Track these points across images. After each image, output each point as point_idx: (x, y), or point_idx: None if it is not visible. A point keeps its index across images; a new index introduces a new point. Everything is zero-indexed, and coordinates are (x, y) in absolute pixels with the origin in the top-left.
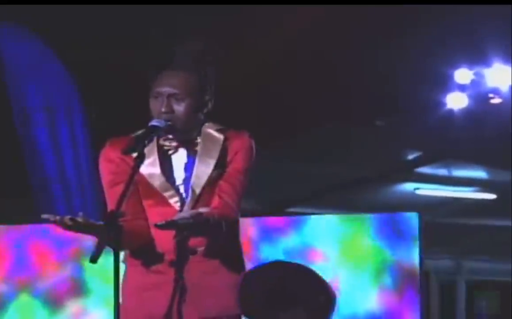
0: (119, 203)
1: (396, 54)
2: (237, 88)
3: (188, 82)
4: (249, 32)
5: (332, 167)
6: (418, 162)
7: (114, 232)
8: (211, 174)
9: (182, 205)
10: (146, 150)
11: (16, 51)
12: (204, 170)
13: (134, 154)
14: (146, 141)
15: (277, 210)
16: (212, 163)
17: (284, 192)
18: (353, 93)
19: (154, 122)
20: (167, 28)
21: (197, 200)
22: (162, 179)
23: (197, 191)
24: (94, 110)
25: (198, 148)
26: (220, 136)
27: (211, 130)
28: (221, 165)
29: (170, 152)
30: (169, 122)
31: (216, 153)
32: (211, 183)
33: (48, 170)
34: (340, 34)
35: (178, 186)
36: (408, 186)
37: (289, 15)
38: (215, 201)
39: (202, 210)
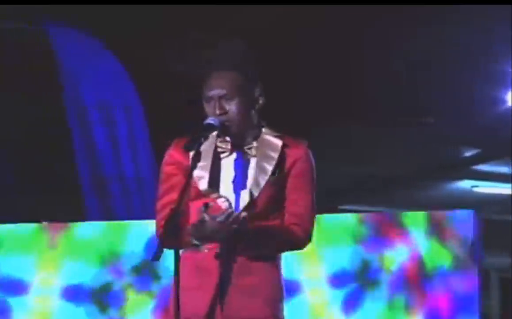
0: (179, 202)
1: (457, 51)
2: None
3: (235, 81)
4: (281, 29)
5: (389, 164)
6: (476, 160)
7: (174, 231)
8: (269, 179)
9: (230, 207)
10: (204, 151)
11: (72, 51)
12: (262, 175)
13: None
14: (202, 139)
15: (331, 208)
16: (270, 168)
17: (339, 190)
18: (414, 91)
19: (209, 120)
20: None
21: (254, 204)
22: (208, 183)
23: (255, 194)
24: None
25: (256, 153)
26: (279, 142)
27: (269, 136)
28: (279, 171)
29: (224, 154)
30: (224, 120)
31: (274, 160)
32: (269, 188)
33: (106, 169)
34: (394, 28)
35: (227, 189)
36: (465, 184)
37: (332, 13)
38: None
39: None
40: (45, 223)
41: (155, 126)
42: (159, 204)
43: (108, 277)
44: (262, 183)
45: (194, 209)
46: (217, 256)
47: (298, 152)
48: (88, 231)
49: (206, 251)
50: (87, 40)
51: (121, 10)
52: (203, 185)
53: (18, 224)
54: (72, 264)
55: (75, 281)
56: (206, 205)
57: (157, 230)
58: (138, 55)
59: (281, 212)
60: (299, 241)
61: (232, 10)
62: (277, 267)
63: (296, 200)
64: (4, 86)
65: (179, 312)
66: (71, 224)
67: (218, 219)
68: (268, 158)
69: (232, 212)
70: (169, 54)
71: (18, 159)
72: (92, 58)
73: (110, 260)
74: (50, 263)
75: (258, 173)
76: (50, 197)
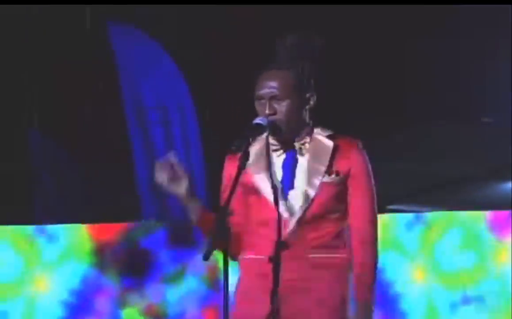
0: (228, 201)
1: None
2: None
3: (286, 81)
4: (347, 30)
5: (440, 164)
6: None
7: (222, 229)
8: (322, 179)
9: (288, 209)
10: (256, 151)
11: (131, 51)
12: (316, 176)
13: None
14: (250, 139)
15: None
16: (323, 169)
17: (388, 189)
18: (461, 90)
19: (257, 120)
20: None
21: (310, 206)
22: (269, 183)
23: (311, 195)
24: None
25: (308, 154)
26: (330, 143)
27: (320, 136)
28: (335, 173)
29: (277, 153)
30: (274, 121)
31: (326, 161)
32: (325, 188)
33: None
34: (447, 30)
35: (282, 189)
36: None
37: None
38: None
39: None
40: None
41: (207, 127)
42: None
43: None
44: (317, 183)
45: (251, 208)
46: (276, 261)
47: (353, 154)
48: None
49: (263, 257)
50: (145, 40)
51: (175, 11)
52: (265, 185)
53: None
54: None
55: None
56: None
57: None
58: (191, 55)
59: (339, 214)
60: (372, 257)
61: (288, 9)
62: (345, 278)
63: (356, 209)
64: (64, 86)
65: (228, 313)
66: None
67: None
68: (320, 159)
69: None
70: (222, 55)
71: (77, 159)
72: (150, 58)
73: None
74: None
75: (311, 174)
76: (107, 197)
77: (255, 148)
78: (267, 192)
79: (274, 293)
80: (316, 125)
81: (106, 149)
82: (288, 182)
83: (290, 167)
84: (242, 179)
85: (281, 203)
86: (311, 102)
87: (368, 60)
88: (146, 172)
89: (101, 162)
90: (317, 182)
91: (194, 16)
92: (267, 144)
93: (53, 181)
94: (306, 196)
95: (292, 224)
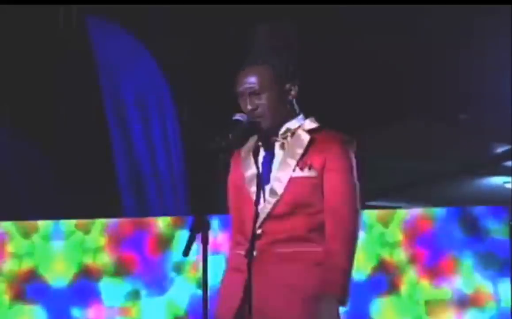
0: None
1: (485, 46)
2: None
3: (263, 75)
4: (335, 26)
5: (424, 161)
6: (507, 155)
7: (204, 224)
8: (292, 174)
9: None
10: (247, 149)
11: (109, 47)
12: (286, 171)
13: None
14: (230, 136)
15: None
16: (293, 163)
17: (366, 186)
18: (439, 87)
19: (236, 117)
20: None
21: (278, 202)
22: (255, 181)
23: (279, 192)
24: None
25: (285, 148)
26: (306, 137)
27: (301, 130)
28: (304, 166)
29: (262, 150)
30: (256, 119)
31: (297, 155)
32: (292, 183)
33: (142, 166)
34: (424, 27)
35: (262, 185)
36: (497, 180)
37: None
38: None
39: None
40: None
41: (186, 124)
42: None
43: None
44: (286, 177)
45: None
46: (248, 255)
47: (332, 148)
48: None
49: (242, 253)
50: (124, 35)
51: (155, 8)
52: (253, 185)
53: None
54: None
55: None
56: None
57: None
58: (171, 51)
59: (315, 208)
60: (348, 250)
61: (271, 6)
62: (317, 270)
63: (331, 205)
64: (43, 83)
65: (207, 308)
66: None
67: None
68: (293, 153)
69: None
70: (202, 51)
71: (57, 155)
72: (129, 55)
73: None
74: None
75: (281, 169)
76: (87, 193)
77: (247, 147)
78: (252, 190)
79: (246, 288)
80: (308, 116)
81: (85, 145)
82: (265, 177)
83: (267, 162)
84: (235, 176)
85: (261, 200)
86: (293, 93)
87: (362, 59)
88: (126, 168)
89: (80, 159)
90: (286, 177)
91: (173, 13)
92: (256, 143)
93: (25, 178)
94: (274, 191)
95: (260, 220)
